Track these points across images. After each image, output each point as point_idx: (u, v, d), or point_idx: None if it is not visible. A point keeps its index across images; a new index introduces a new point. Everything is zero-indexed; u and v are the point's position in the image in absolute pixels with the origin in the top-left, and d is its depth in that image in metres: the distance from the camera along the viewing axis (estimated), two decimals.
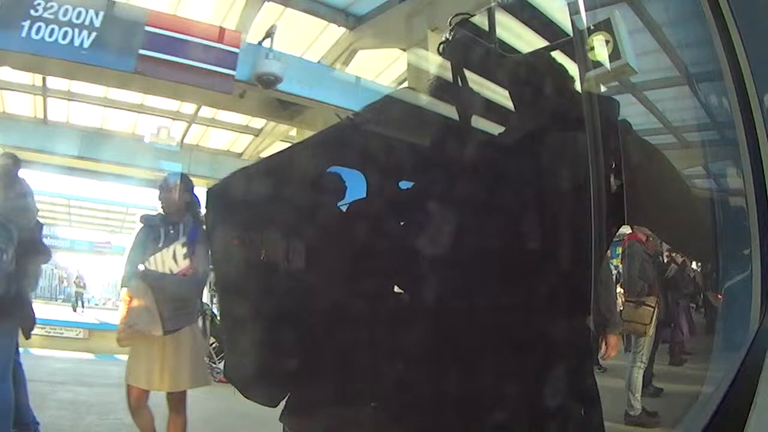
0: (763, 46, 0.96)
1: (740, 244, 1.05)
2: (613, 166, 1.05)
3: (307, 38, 7.27)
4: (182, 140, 10.08)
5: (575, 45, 0.98)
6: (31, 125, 9.23)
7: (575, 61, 1.03)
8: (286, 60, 6.14)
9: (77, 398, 3.51)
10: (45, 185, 13.10)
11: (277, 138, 9.58)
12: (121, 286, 3.46)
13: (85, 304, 17.82)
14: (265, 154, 10.33)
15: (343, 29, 7.17)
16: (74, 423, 4.13)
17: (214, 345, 8.84)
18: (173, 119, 9.41)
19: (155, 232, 3.39)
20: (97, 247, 19.93)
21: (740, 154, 0.99)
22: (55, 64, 5.74)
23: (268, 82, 5.69)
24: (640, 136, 1.13)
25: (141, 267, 3.31)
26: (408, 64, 6.60)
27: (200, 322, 3.60)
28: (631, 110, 1.30)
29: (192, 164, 9.49)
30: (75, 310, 15.97)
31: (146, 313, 3.19)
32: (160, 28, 5.66)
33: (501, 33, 0.96)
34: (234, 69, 5.64)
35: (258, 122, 9.37)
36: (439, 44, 1.03)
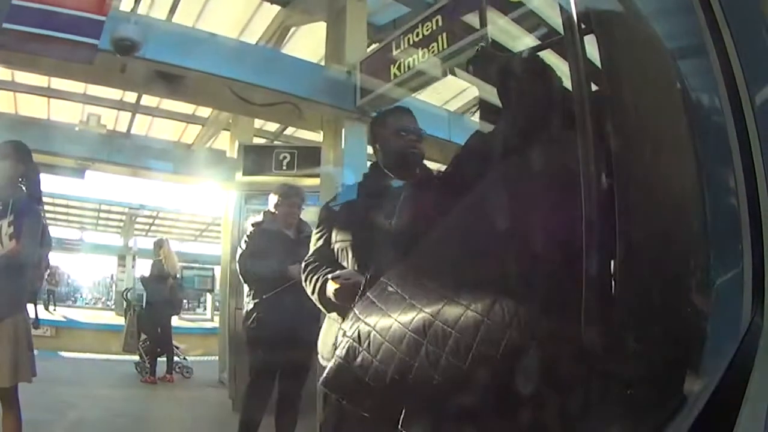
0: (754, 43, 0.94)
1: (730, 240, 1.05)
2: (605, 162, 1.02)
3: (241, 18, 6.93)
4: (129, 129, 9.46)
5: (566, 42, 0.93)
6: None
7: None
8: (152, 25, 5.32)
9: None
10: None
11: (220, 126, 9.14)
12: None
13: (56, 303, 17.16)
14: (211, 144, 9.87)
15: (277, 7, 6.85)
16: None
17: (145, 341, 8.38)
18: (118, 109, 8.80)
19: None
20: (67, 245, 19.12)
21: (731, 150, 0.98)
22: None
23: (124, 48, 4.83)
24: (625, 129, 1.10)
25: None
26: (327, 34, 6.14)
27: (31, 311, 3.28)
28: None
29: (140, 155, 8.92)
30: (47, 309, 15.13)
31: None
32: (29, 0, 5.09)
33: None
34: (98, 38, 4.75)
35: (204, 111, 8.89)
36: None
